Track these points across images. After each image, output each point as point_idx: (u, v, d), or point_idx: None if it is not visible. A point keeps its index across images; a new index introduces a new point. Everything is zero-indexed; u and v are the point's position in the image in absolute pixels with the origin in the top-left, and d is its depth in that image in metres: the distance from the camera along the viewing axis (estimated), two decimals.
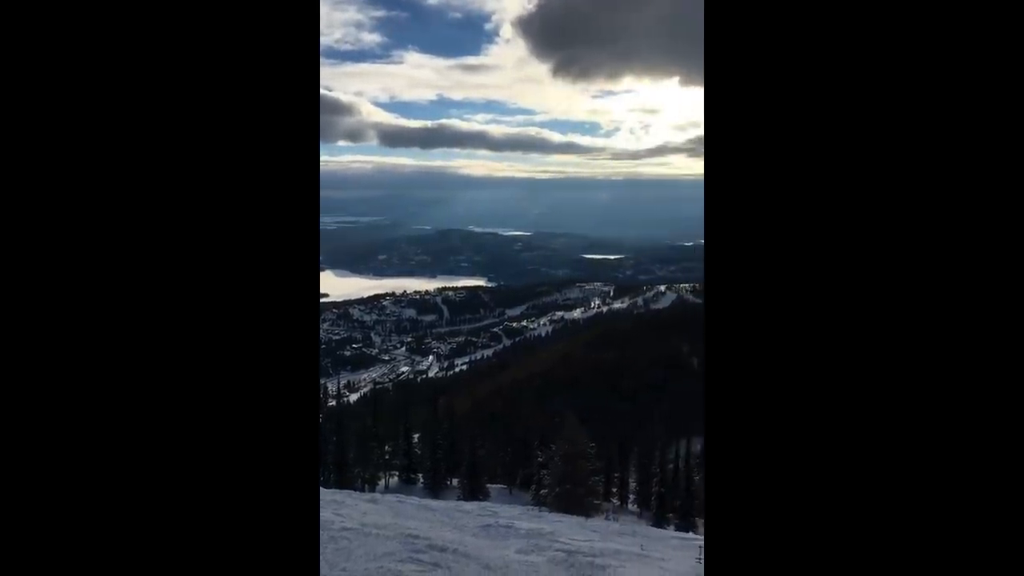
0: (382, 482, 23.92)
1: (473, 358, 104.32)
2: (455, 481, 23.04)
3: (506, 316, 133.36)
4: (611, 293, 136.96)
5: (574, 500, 17.59)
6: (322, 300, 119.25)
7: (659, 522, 21.08)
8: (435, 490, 21.99)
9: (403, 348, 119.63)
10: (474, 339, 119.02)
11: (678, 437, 29.87)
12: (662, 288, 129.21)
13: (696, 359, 65.32)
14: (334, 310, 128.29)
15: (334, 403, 25.53)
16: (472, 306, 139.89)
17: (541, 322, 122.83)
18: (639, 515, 23.16)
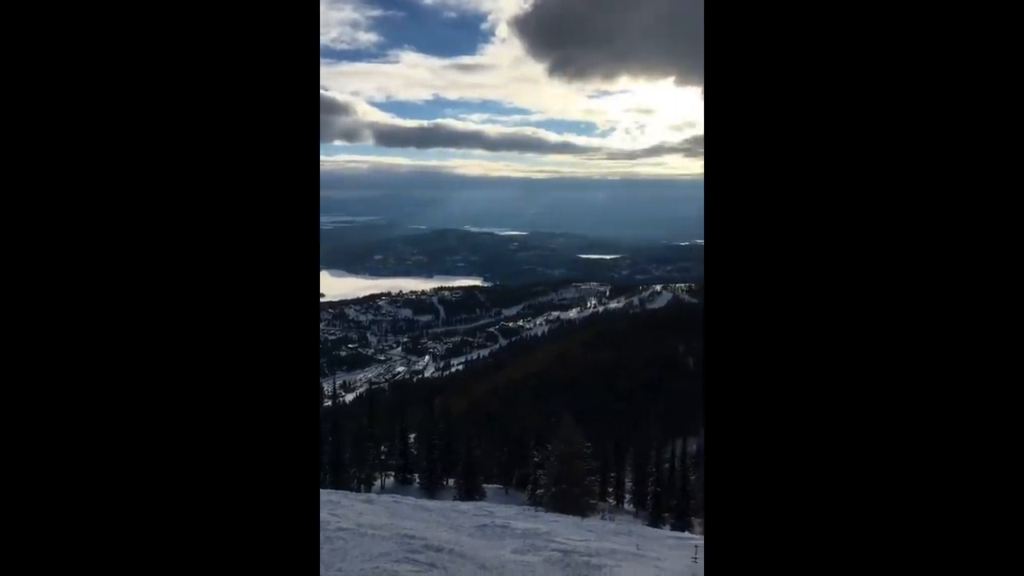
0: (378, 482, 23.89)
1: (469, 358, 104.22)
2: (451, 481, 23.02)
3: (502, 316, 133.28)
4: (607, 293, 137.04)
5: (570, 500, 17.61)
6: None
7: (655, 521, 21.11)
8: (431, 490, 21.97)
9: (399, 348, 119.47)
10: (470, 339, 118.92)
11: (674, 437, 29.91)
12: (658, 288, 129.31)
13: (692, 359, 65.43)
14: (330, 310, 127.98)
15: (330, 403, 25.45)
16: (468, 306, 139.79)
17: (537, 322, 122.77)
18: (635, 515, 23.18)
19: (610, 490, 26.22)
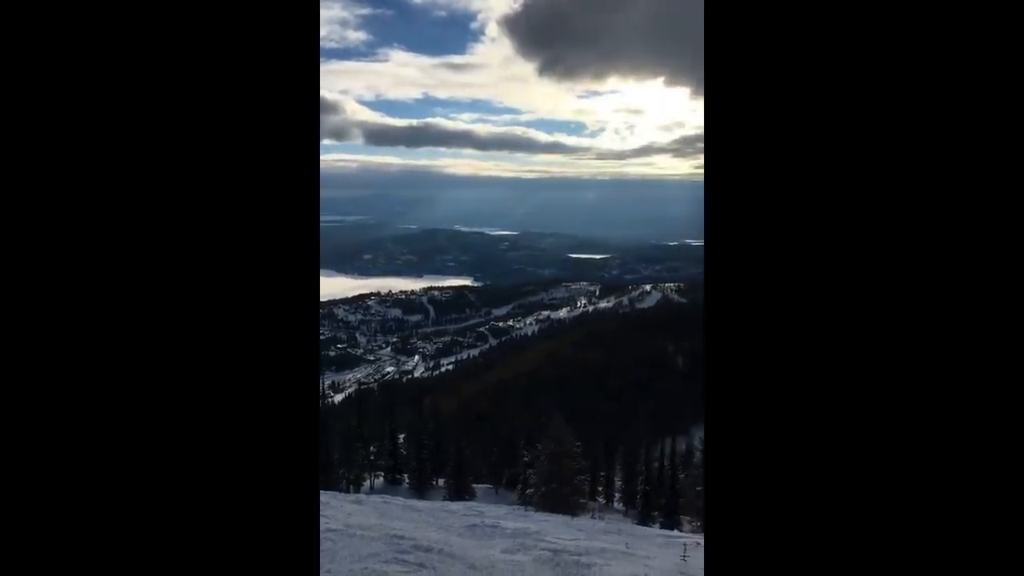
0: (367, 483, 23.80)
1: (459, 358, 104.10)
2: (441, 481, 22.98)
3: (492, 316, 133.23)
4: (597, 292, 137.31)
5: (560, 499, 17.63)
6: None
7: (644, 520, 21.18)
8: (421, 490, 21.93)
9: (388, 348, 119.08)
10: (460, 339, 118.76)
11: (663, 436, 30.04)
12: (647, 287, 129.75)
13: (681, 358, 65.74)
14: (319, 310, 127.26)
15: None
16: (458, 306, 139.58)
17: (527, 322, 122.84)
18: (624, 513, 23.26)
19: (600, 489, 26.29)
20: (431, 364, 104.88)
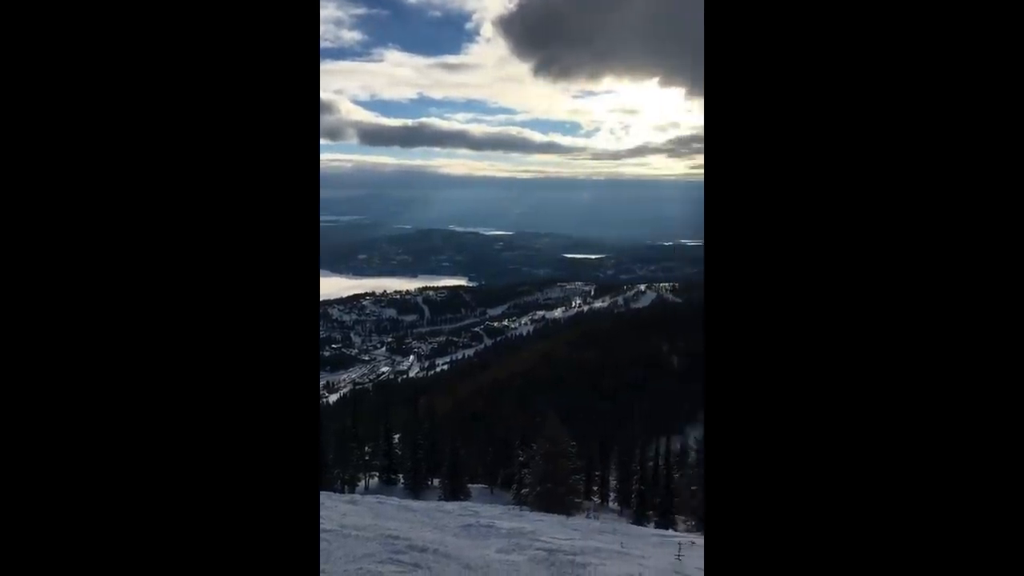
0: (362, 483, 23.77)
1: (454, 358, 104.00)
2: (436, 481, 22.97)
3: (487, 316, 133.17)
4: (592, 292, 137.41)
5: (555, 499, 17.65)
6: None
7: (639, 520, 21.21)
8: (416, 490, 21.91)
9: (383, 348, 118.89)
10: (455, 339, 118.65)
11: (658, 435, 30.07)
12: (642, 287, 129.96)
13: (676, 358, 65.86)
14: None
15: None
16: (453, 306, 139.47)
17: (522, 322, 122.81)
18: (619, 513, 23.28)
19: (595, 489, 26.32)
20: (426, 364, 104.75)
